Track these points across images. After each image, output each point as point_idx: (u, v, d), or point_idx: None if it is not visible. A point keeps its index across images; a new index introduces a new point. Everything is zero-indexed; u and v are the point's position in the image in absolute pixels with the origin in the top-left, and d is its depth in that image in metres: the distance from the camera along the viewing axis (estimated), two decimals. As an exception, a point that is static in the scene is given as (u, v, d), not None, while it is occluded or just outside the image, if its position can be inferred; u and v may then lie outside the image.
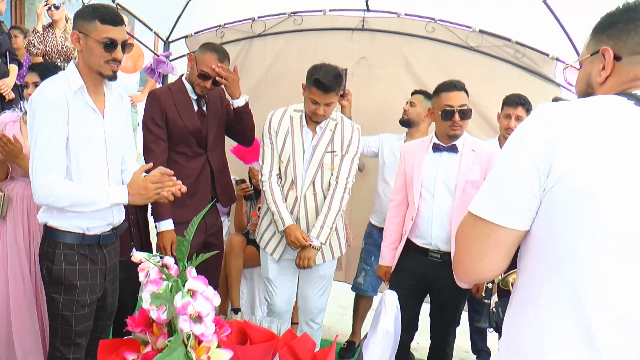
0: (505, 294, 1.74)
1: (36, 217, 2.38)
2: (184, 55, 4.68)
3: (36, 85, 2.74)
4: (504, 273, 1.34)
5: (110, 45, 2.20)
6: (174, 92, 3.07)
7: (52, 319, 2.32)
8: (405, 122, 3.67)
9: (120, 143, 2.41)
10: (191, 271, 1.50)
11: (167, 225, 3.00)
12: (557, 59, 3.77)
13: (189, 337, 1.45)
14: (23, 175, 2.82)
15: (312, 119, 2.96)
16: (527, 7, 3.50)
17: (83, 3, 4.15)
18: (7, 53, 5.26)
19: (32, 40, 5.37)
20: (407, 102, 3.70)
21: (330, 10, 4.25)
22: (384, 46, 4.14)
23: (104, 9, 2.26)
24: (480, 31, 3.89)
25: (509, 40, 3.85)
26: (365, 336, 2.10)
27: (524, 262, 1.29)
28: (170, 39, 4.67)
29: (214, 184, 3.20)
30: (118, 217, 2.43)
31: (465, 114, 2.83)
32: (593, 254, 1.16)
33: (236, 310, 3.70)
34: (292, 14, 4.33)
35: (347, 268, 4.30)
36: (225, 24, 4.50)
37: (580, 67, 1.38)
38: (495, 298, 3.17)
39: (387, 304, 2.05)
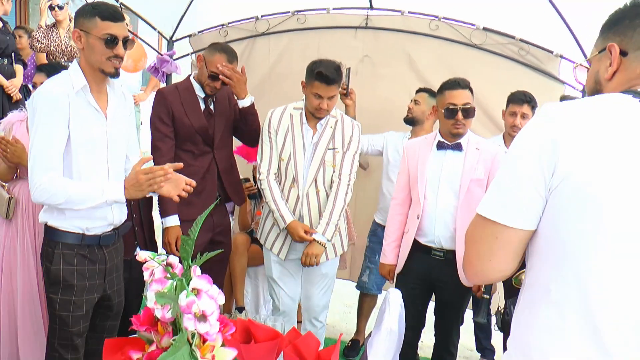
0: (517, 293, 1.75)
1: None
2: (187, 55, 4.69)
3: None
4: (517, 271, 1.34)
5: (111, 41, 2.19)
6: (181, 90, 3.11)
7: (50, 319, 2.33)
8: (410, 120, 3.67)
9: (123, 143, 2.41)
10: (195, 270, 1.50)
11: (173, 221, 3.04)
12: (562, 57, 3.76)
13: (193, 335, 1.45)
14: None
15: (316, 115, 2.96)
16: (531, 4, 3.49)
17: (86, 2, 4.15)
18: (13, 54, 5.28)
19: (36, 35, 5.38)
20: (411, 100, 3.69)
21: (333, 9, 4.25)
22: (387, 44, 4.13)
23: (104, 5, 2.26)
24: (484, 29, 3.88)
25: (513, 37, 3.84)
26: (370, 335, 2.10)
27: (532, 261, 1.29)
28: (174, 38, 4.68)
29: (222, 182, 3.22)
30: (119, 216, 2.41)
31: (468, 112, 2.82)
32: (595, 253, 1.17)
33: (240, 309, 3.70)
34: (296, 13, 4.33)
35: (351, 266, 4.31)
36: (228, 23, 4.50)
37: (590, 66, 1.39)
38: (500, 296, 3.18)
39: (391, 302, 2.05)
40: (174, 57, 4.59)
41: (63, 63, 5.12)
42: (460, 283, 2.82)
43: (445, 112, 2.83)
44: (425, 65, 4.06)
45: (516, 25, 3.79)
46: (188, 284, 1.44)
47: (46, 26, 5.53)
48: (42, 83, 2.86)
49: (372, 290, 3.91)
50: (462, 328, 3.12)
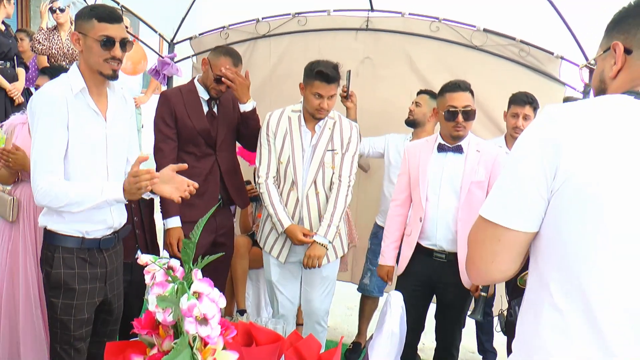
0: (522, 293, 1.75)
1: None
2: (188, 57, 4.69)
3: None
4: (522, 272, 1.35)
5: (107, 42, 2.17)
6: (184, 93, 3.13)
7: (51, 323, 2.31)
8: (411, 123, 3.67)
9: (123, 145, 2.40)
10: (197, 273, 1.51)
11: (174, 222, 3.06)
12: (562, 58, 3.76)
13: (194, 339, 1.46)
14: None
15: (316, 115, 2.96)
16: (532, 5, 3.49)
17: (87, 5, 4.16)
18: (15, 57, 5.29)
19: (37, 37, 5.39)
20: (412, 102, 3.69)
21: (334, 11, 4.25)
22: (388, 46, 4.13)
23: (101, 7, 2.25)
24: (485, 30, 3.88)
25: (513, 39, 3.84)
26: (371, 337, 2.10)
27: (534, 262, 1.30)
28: (174, 41, 4.68)
29: (225, 185, 3.22)
30: (118, 219, 2.39)
31: (469, 115, 2.82)
32: (595, 253, 1.17)
33: (242, 312, 3.70)
34: (296, 15, 4.33)
35: (352, 268, 4.31)
36: (229, 25, 4.50)
37: (595, 65, 1.39)
38: (502, 299, 3.17)
39: (393, 304, 2.05)
40: (175, 59, 4.59)
41: (65, 65, 5.13)
42: (462, 285, 2.82)
43: (446, 114, 2.83)
44: (426, 67, 4.06)
45: (517, 26, 3.79)
46: (189, 288, 1.44)
47: (47, 29, 5.54)
48: None
49: (374, 292, 3.90)
50: (463, 330, 3.11)
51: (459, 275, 2.81)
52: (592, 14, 3.18)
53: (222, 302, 1.50)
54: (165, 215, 3.05)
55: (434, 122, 3.59)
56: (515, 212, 1.24)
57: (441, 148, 2.90)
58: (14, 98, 5.20)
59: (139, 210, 3.04)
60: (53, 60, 5.43)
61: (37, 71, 5.60)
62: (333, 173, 3.02)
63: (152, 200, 3.09)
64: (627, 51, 1.27)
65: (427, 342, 3.86)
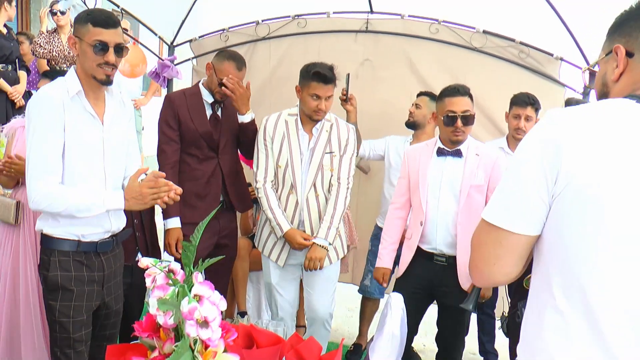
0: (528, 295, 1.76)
1: None
2: (188, 59, 4.69)
3: None
4: (528, 274, 1.36)
5: (100, 47, 2.16)
6: (188, 96, 3.16)
7: (50, 327, 2.29)
8: (411, 125, 3.67)
9: (121, 149, 2.38)
10: (197, 276, 1.51)
11: (174, 223, 3.09)
12: (562, 59, 3.76)
13: (195, 341, 1.46)
14: None
15: (313, 117, 2.97)
16: (531, 7, 3.50)
17: (87, 8, 4.17)
18: (17, 60, 5.30)
19: (38, 40, 5.40)
20: (412, 104, 3.69)
21: (334, 13, 4.26)
22: (388, 48, 4.14)
23: (97, 11, 2.25)
24: (484, 32, 3.88)
25: (513, 40, 3.84)
26: (372, 339, 2.10)
27: (537, 265, 1.31)
28: (174, 43, 4.68)
29: (226, 188, 3.24)
30: (117, 224, 2.37)
31: (468, 119, 2.83)
32: (596, 255, 1.18)
33: (243, 314, 3.71)
34: (296, 17, 4.33)
35: (353, 270, 4.31)
36: (229, 28, 4.51)
37: (598, 69, 1.40)
38: (504, 301, 3.16)
39: (393, 306, 2.05)
40: (175, 62, 4.59)
41: (65, 69, 5.14)
42: (463, 287, 2.82)
43: (445, 119, 2.84)
44: (426, 69, 4.06)
45: (516, 28, 3.80)
46: (190, 291, 1.44)
47: (47, 32, 5.55)
48: None
49: (375, 294, 3.90)
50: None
51: (457, 279, 2.81)
52: (591, 15, 3.19)
53: (223, 304, 1.50)
54: (166, 215, 3.08)
55: (434, 124, 3.59)
56: (517, 215, 1.25)
57: (440, 152, 2.90)
58: (15, 101, 5.21)
59: (140, 212, 3.05)
60: (54, 63, 5.43)
61: (38, 74, 5.61)
62: (332, 175, 3.02)
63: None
64: (629, 54, 1.27)
65: (429, 343, 3.86)
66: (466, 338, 3.13)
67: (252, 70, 4.31)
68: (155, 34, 4.70)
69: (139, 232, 3.04)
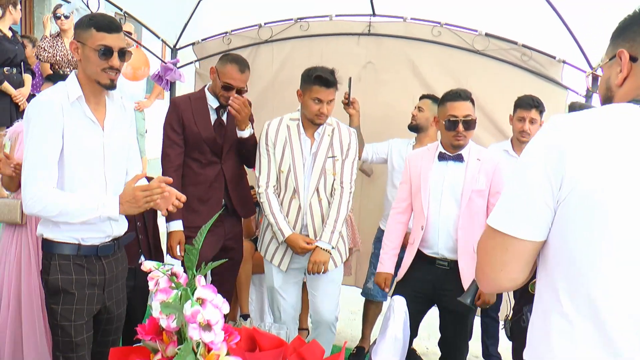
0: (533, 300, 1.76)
1: None
2: (191, 62, 4.71)
3: None
4: (534, 278, 1.36)
5: (105, 52, 2.16)
6: (192, 100, 3.18)
7: (52, 331, 2.28)
8: (414, 128, 3.67)
9: (121, 154, 2.37)
10: (200, 279, 1.51)
11: (176, 225, 3.11)
12: (564, 62, 3.76)
13: (198, 344, 1.46)
14: None
15: (315, 121, 2.97)
16: (533, 9, 3.49)
17: (91, 12, 4.18)
18: (22, 63, 5.32)
19: (42, 44, 5.42)
20: (415, 107, 3.70)
21: (336, 16, 4.26)
22: (390, 51, 4.14)
23: (100, 16, 2.25)
24: (487, 34, 3.89)
25: (515, 43, 3.84)
26: (375, 342, 2.10)
27: (543, 270, 1.31)
28: (177, 46, 4.70)
29: (228, 193, 3.24)
30: (118, 228, 2.35)
31: (469, 124, 2.83)
32: (600, 260, 1.18)
33: (245, 317, 3.71)
34: (299, 20, 4.35)
35: (356, 273, 4.31)
36: (232, 31, 4.52)
37: (602, 73, 1.41)
38: (508, 304, 3.14)
39: (396, 309, 2.06)
40: (178, 65, 4.61)
41: (68, 73, 5.15)
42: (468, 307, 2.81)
43: (447, 123, 2.84)
44: (428, 71, 4.06)
45: (518, 30, 3.79)
46: (193, 294, 1.45)
47: (50, 36, 5.57)
48: None
49: (377, 297, 3.90)
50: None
51: (461, 282, 2.81)
52: (594, 17, 3.18)
53: (226, 308, 1.50)
54: (168, 218, 3.09)
55: (436, 127, 3.59)
56: (523, 221, 1.25)
57: (442, 157, 2.90)
58: (20, 104, 5.23)
59: (142, 215, 3.06)
60: (57, 67, 5.45)
61: (42, 78, 5.63)
62: (334, 180, 3.03)
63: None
64: (633, 59, 1.28)
65: (432, 346, 3.85)
66: (471, 341, 3.12)
67: (254, 73, 4.31)
68: (158, 37, 4.71)
69: (142, 235, 3.05)
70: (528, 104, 3.44)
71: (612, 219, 1.15)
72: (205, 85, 3.25)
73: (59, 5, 5.77)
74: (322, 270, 2.98)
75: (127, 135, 2.41)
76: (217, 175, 3.19)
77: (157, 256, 3.15)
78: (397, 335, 1.99)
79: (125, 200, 2.18)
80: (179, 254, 3.10)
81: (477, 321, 3.84)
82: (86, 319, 2.28)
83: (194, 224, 3.05)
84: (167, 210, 2.32)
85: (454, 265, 2.84)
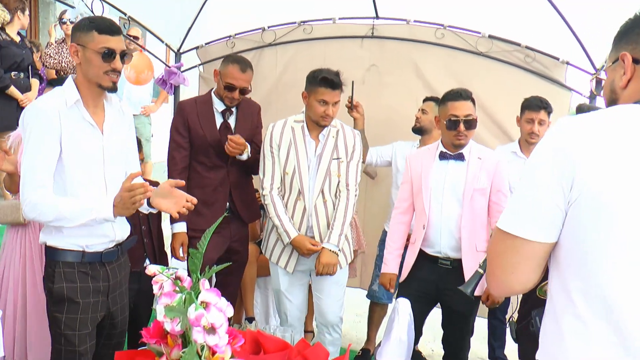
0: (542, 304, 1.76)
1: None
2: (195, 66, 4.73)
3: None
4: (541, 282, 1.36)
5: (108, 55, 2.15)
6: (198, 103, 3.20)
7: (54, 340, 2.24)
8: (418, 130, 3.67)
9: (121, 158, 2.35)
10: (204, 283, 1.52)
11: (180, 227, 3.15)
12: (568, 63, 3.76)
13: (203, 348, 1.47)
14: None
15: (321, 123, 2.97)
16: (536, 11, 3.49)
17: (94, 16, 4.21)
18: (29, 67, 5.35)
19: (48, 51, 5.45)
20: (418, 110, 3.70)
21: (339, 19, 4.27)
22: (393, 53, 4.15)
23: (100, 19, 2.24)
24: (490, 36, 3.89)
25: (518, 45, 3.84)
26: (380, 344, 2.10)
27: (556, 271, 1.31)
28: (181, 50, 4.72)
29: (232, 197, 3.26)
30: (120, 232, 2.33)
31: (470, 124, 2.83)
32: (613, 261, 1.18)
33: (250, 319, 3.71)
34: (302, 23, 4.36)
35: (361, 275, 4.31)
36: (235, 34, 4.54)
37: (606, 77, 1.42)
38: (514, 305, 3.14)
39: (400, 312, 2.05)
40: (182, 69, 4.62)
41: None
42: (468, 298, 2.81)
43: (448, 123, 2.84)
44: (432, 74, 4.06)
45: (522, 32, 3.79)
46: (197, 297, 1.45)
47: (56, 42, 5.60)
48: None
49: (383, 299, 3.90)
50: (475, 336, 3.10)
51: (464, 281, 2.80)
52: (597, 18, 3.18)
53: (230, 311, 1.51)
54: (172, 220, 3.11)
55: (437, 126, 3.59)
56: (532, 223, 1.25)
57: (443, 156, 2.91)
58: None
59: (147, 218, 3.07)
60: (63, 73, 5.48)
61: (47, 83, 5.66)
62: (339, 181, 3.03)
63: (159, 209, 3.12)
64: (636, 61, 1.29)
65: (437, 348, 3.84)
66: (477, 343, 3.12)
67: (258, 77, 4.33)
68: (162, 41, 4.73)
69: (146, 238, 3.06)
70: (537, 105, 3.42)
71: (619, 220, 1.16)
72: (211, 89, 3.27)
73: (65, 11, 5.81)
74: (332, 271, 2.98)
75: (126, 139, 2.40)
76: (222, 179, 3.20)
77: (162, 260, 3.16)
78: (401, 337, 1.98)
79: (117, 202, 2.13)
80: (181, 255, 3.13)
81: (484, 323, 3.85)
82: (90, 328, 2.25)
83: (198, 227, 3.07)
84: (184, 213, 2.31)
85: (456, 264, 2.84)
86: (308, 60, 4.21)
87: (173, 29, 4.59)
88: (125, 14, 4.39)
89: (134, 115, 6.61)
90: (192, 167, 3.20)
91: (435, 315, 3.11)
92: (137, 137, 3.31)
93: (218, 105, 3.18)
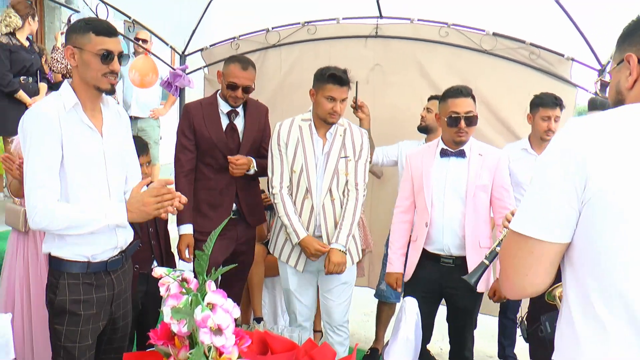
0: (551, 308, 1.75)
1: None
2: (200, 68, 4.74)
3: None
4: (550, 287, 1.35)
5: (106, 56, 2.10)
6: (204, 105, 3.22)
7: (54, 352, 2.18)
8: (423, 129, 3.67)
9: (121, 161, 2.30)
10: (210, 285, 1.52)
11: (186, 229, 3.16)
12: (573, 59, 3.74)
13: (210, 349, 1.48)
14: None
15: (328, 120, 2.97)
16: (541, 8, 3.48)
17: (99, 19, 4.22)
18: (38, 72, 5.38)
19: (55, 56, 5.48)
20: (424, 108, 3.69)
21: (343, 19, 4.28)
22: (398, 52, 4.14)
23: (97, 21, 2.21)
24: (494, 34, 3.87)
25: (523, 42, 3.82)
26: (387, 343, 2.10)
27: (569, 274, 1.31)
28: (186, 53, 4.73)
29: (239, 200, 3.26)
30: (124, 238, 2.27)
31: (471, 120, 2.83)
32: (631, 260, 1.18)
33: (259, 320, 3.71)
34: (306, 24, 4.36)
35: (369, 274, 4.31)
36: (240, 36, 4.55)
37: (610, 78, 1.42)
38: (523, 305, 3.13)
39: (407, 311, 2.05)
40: (187, 71, 4.64)
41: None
42: (471, 288, 2.81)
43: (448, 120, 2.84)
44: (436, 72, 4.06)
45: (526, 29, 3.78)
46: (203, 299, 1.46)
47: (62, 46, 5.62)
48: None
49: (391, 298, 3.90)
50: (483, 333, 3.10)
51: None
52: (602, 14, 3.17)
53: (236, 312, 1.51)
54: (179, 222, 3.14)
55: (438, 123, 3.58)
56: (546, 224, 1.26)
57: (444, 153, 2.91)
58: (34, 112, 5.28)
59: (154, 221, 3.08)
60: (69, 77, 5.49)
61: (49, 87, 5.69)
62: (347, 180, 3.03)
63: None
64: None
65: (445, 347, 3.84)
66: (487, 341, 3.12)
67: (263, 78, 4.34)
68: (167, 44, 4.75)
69: (154, 240, 3.07)
70: (553, 102, 3.39)
71: (630, 219, 1.16)
72: (217, 91, 3.28)
73: (72, 15, 5.84)
74: (341, 270, 2.98)
75: (124, 141, 2.35)
76: (229, 181, 3.21)
77: (168, 261, 3.17)
78: (408, 336, 1.98)
79: (134, 208, 2.11)
80: (187, 256, 3.14)
81: (494, 321, 3.84)
82: (91, 341, 2.20)
83: (204, 229, 3.09)
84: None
85: (459, 262, 2.84)
86: (312, 60, 4.22)
87: (177, 31, 4.61)
88: (129, 17, 4.41)
89: (143, 117, 6.62)
90: (198, 169, 3.21)
91: (443, 315, 3.12)
92: (145, 140, 3.34)
93: (223, 107, 3.19)
